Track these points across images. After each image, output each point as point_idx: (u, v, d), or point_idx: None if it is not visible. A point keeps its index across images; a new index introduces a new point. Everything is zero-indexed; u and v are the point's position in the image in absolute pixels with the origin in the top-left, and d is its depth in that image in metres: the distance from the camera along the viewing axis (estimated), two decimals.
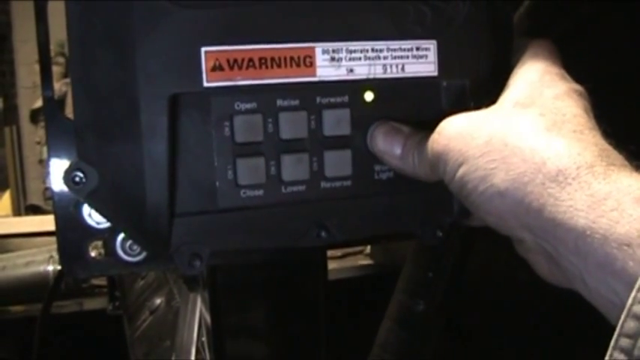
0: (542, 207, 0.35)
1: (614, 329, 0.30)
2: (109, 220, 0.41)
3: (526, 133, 0.37)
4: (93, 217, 0.41)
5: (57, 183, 0.40)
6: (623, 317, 0.30)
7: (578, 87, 0.41)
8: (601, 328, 0.33)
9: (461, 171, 0.38)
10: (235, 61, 0.40)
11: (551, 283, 0.39)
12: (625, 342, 0.29)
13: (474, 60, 0.45)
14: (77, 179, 0.40)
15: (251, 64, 0.40)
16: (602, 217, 0.32)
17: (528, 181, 0.35)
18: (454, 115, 0.41)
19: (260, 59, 0.40)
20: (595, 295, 0.33)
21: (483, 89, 0.44)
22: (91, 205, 0.41)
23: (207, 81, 0.39)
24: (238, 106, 0.42)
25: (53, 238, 0.42)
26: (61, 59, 2.50)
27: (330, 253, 0.56)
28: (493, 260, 0.84)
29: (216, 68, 0.39)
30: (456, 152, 0.39)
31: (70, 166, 0.40)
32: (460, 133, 0.39)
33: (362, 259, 1.39)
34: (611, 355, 0.30)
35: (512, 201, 0.36)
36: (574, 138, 0.36)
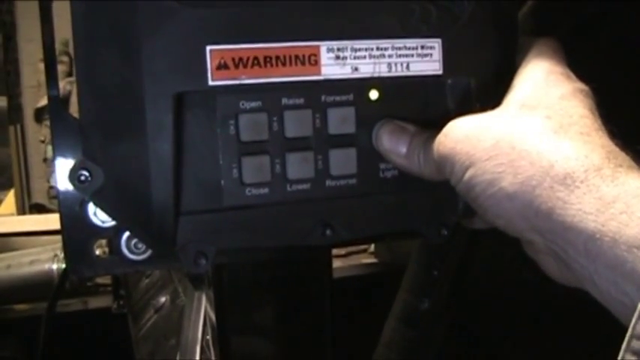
0: (551, 210, 0.35)
1: (623, 328, 0.30)
2: (114, 219, 0.41)
3: (533, 136, 0.37)
4: (98, 215, 0.42)
5: (62, 182, 0.41)
6: (634, 320, 0.30)
7: (583, 86, 0.40)
8: (609, 327, 0.33)
9: (468, 174, 0.38)
10: (240, 59, 0.40)
11: (561, 283, 0.39)
12: (637, 344, 0.29)
13: (478, 58, 0.45)
14: (82, 178, 0.40)
15: (256, 62, 0.40)
16: (612, 220, 0.32)
17: (536, 185, 0.35)
18: (460, 118, 0.41)
19: (265, 58, 0.40)
20: (605, 297, 0.33)
21: (488, 88, 0.44)
22: (97, 204, 0.41)
23: (213, 79, 0.39)
24: (243, 104, 0.42)
25: (57, 237, 0.42)
26: (65, 58, 2.50)
27: (333, 251, 0.56)
28: (498, 258, 0.84)
29: (222, 67, 0.39)
30: (462, 155, 0.39)
31: (76, 164, 0.40)
32: (467, 136, 0.39)
33: (366, 257, 1.39)
34: (623, 357, 0.30)
35: (521, 204, 0.36)
36: (581, 140, 0.36)
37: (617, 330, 0.31)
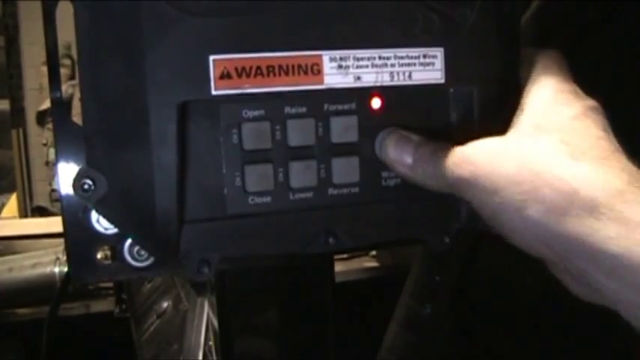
0: (577, 236, 0.35)
1: (627, 334, 0.31)
2: (117, 227, 0.41)
3: (554, 163, 0.37)
4: (101, 222, 0.42)
5: (65, 188, 0.41)
6: None
7: (593, 103, 0.40)
8: (614, 334, 0.33)
9: (493, 201, 0.38)
10: (243, 69, 0.40)
11: (587, 301, 0.39)
12: None
13: (481, 67, 0.45)
14: (86, 186, 0.40)
15: (259, 71, 0.40)
16: (636, 245, 0.33)
17: (562, 213, 0.36)
18: (476, 142, 0.41)
19: (268, 67, 0.40)
20: (633, 319, 0.34)
21: (490, 96, 0.44)
22: (100, 212, 0.41)
23: (216, 89, 0.39)
24: (246, 113, 0.42)
25: (59, 240, 0.42)
26: (67, 61, 2.50)
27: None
28: (501, 263, 0.84)
29: (225, 76, 0.39)
30: (485, 180, 0.38)
31: (79, 173, 0.40)
32: (486, 162, 0.39)
33: (367, 260, 1.39)
34: None
35: (546, 231, 0.36)
36: (601, 165, 0.36)
37: (621, 336, 0.32)
